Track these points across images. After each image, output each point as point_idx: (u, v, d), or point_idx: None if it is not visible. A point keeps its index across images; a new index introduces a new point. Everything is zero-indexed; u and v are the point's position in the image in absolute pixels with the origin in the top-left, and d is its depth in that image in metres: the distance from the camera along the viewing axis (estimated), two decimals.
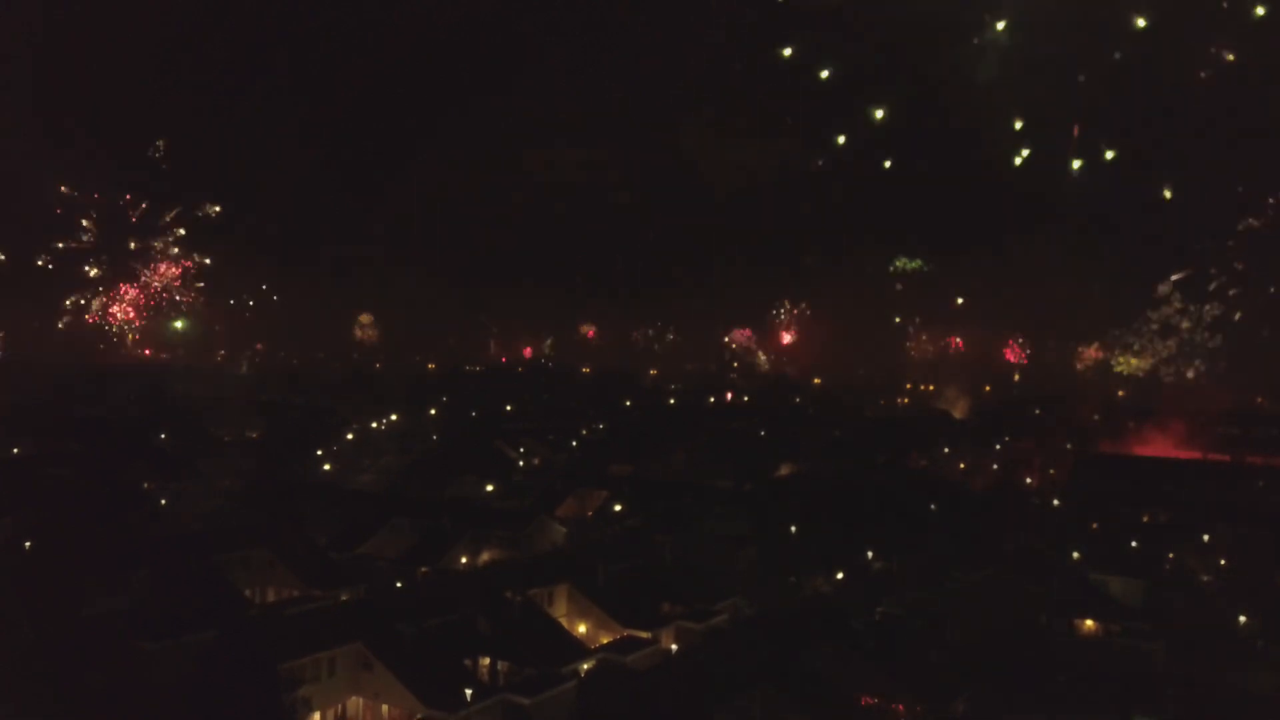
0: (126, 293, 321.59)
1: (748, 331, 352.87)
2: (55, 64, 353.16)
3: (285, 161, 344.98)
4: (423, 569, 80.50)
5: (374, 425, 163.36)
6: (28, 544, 76.04)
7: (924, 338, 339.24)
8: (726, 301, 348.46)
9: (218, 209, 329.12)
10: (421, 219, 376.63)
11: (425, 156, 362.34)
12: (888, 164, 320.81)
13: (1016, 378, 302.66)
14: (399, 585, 75.52)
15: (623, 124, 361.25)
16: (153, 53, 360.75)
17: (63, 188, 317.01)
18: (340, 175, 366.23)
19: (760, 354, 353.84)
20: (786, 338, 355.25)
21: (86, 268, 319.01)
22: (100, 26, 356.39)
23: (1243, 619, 72.16)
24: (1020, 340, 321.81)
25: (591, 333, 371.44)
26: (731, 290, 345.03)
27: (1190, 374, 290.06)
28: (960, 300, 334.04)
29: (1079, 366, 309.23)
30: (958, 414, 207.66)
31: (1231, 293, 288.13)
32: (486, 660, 60.59)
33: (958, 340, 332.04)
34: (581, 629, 69.46)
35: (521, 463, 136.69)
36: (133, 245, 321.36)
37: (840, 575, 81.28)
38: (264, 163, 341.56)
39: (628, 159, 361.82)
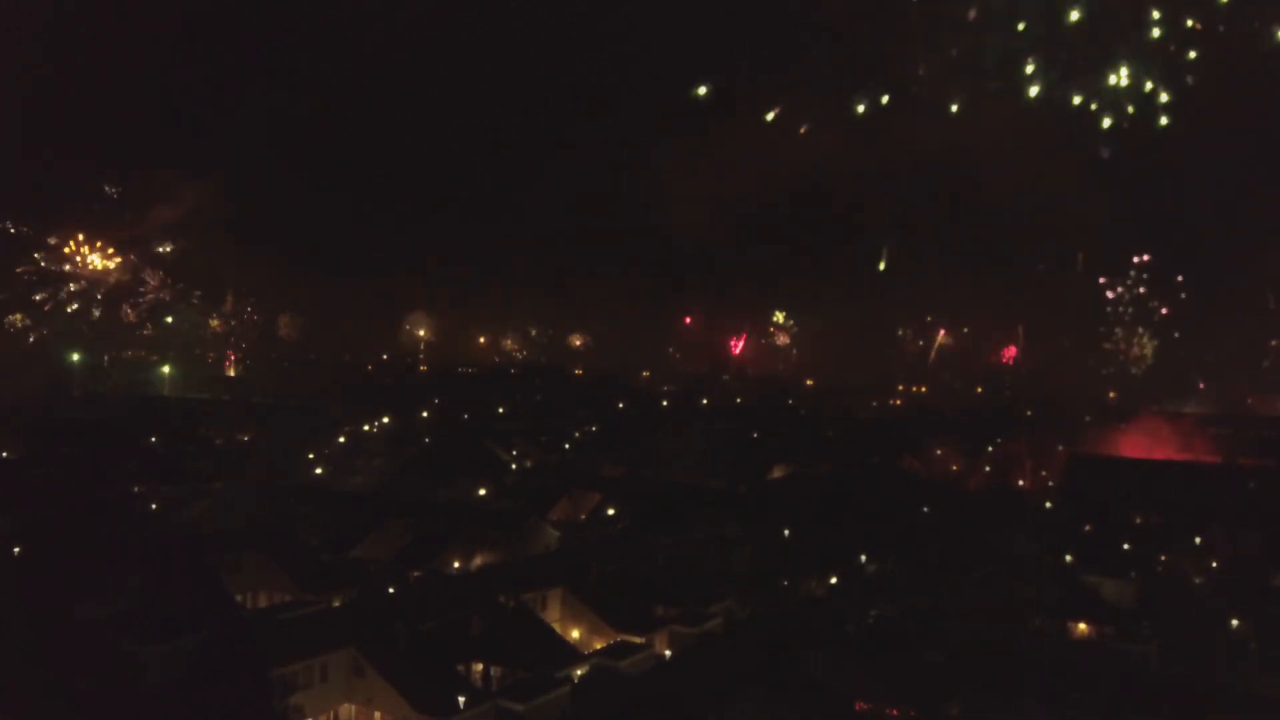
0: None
1: (744, 335, 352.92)
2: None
3: (277, 156, 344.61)
4: (415, 572, 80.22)
5: (366, 427, 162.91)
6: (18, 548, 75.63)
7: (917, 340, 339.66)
8: (723, 302, 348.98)
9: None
10: (419, 218, 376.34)
11: (424, 156, 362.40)
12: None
13: (1009, 379, 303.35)
14: (391, 589, 75.25)
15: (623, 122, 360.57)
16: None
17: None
18: (336, 175, 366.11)
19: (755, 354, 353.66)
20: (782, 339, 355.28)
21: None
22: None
23: (1235, 621, 72.24)
24: (1013, 341, 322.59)
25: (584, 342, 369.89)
26: (728, 291, 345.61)
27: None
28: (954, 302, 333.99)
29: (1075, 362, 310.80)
30: (950, 415, 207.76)
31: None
32: (479, 665, 60.33)
33: (951, 341, 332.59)
34: (575, 633, 69.22)
35: (514, 465, 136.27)
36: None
37: (834, 578, 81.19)
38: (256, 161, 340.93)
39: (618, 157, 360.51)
